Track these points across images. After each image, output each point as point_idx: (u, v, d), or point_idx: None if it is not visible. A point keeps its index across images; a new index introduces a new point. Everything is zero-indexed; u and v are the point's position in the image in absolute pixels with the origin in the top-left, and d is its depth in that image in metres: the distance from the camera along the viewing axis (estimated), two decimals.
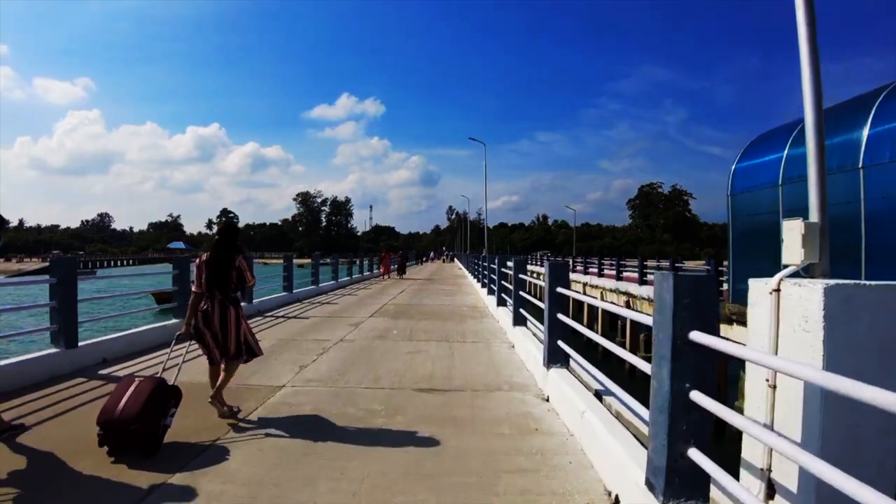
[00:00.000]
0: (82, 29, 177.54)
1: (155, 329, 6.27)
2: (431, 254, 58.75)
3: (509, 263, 7.98)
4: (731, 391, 9.05)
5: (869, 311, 1.77)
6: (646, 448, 2.48)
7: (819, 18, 2.36)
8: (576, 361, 3.85)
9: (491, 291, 10.89)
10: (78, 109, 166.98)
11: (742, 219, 10.45)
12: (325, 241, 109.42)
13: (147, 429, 2.81)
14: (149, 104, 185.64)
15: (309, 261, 15.68)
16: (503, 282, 9.03)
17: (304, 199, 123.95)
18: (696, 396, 1.81)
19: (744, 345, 1.98)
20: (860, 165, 7.26)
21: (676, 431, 1.85)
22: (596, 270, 21.55)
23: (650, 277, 16.28)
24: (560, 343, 4.03)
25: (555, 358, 4.08)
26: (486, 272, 12.51)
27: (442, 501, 2.39)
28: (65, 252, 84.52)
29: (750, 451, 2.07)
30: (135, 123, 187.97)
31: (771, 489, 1.94)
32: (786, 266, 2.17)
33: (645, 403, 2.71)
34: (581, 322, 3.93)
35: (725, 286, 11.13)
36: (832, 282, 1.82)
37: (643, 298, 15.37)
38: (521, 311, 6.39)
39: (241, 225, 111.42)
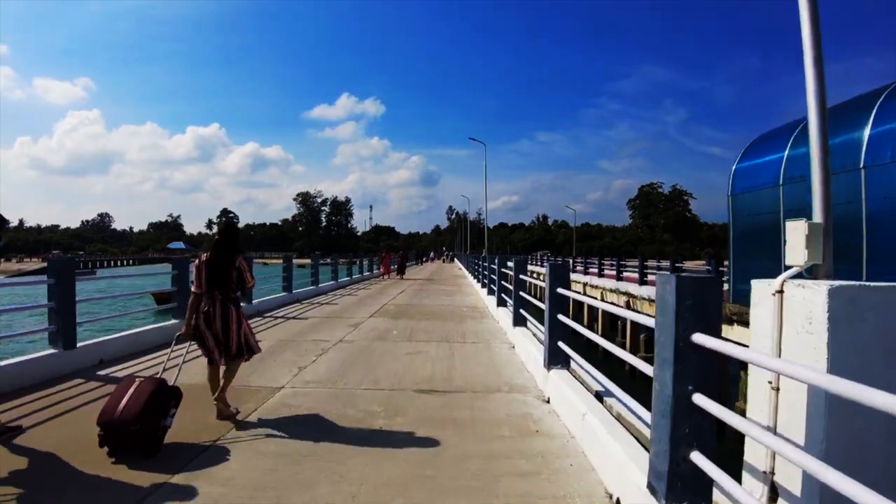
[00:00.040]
0: (82, 29, 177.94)
1: (154, 330, 6.25)
2: (431, 254, 58.72)
3: (509, 264, 7.96)
4: (731, 391, 9.03)
5: (874, 312, 1.75)
6: (647, 451, 2.45)
7: (820, 18, 2.34)
8: (576, 363, 3.83)
9: (491, 292, 10.87)
10: (78, 109, 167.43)
11: (743, 219, 10.42)
12: (325, 241, 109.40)
13: (147, 429, 2.81)
14: (149, 104, 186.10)
15: (309, 261, 15.66)
16: (503, 282, 9.01)
17: (304, 199, 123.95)
18: (699, 399, 1.79)
19: (745, 345, 1.96)
20: (861, 165, 7.24)
21: (679, 435, 1.83)
22: (596, 271, 21.53)
23: (651, 278, 16.28)
24: (560, 344, 4.01)
25: (555, 359, 4.06)
26: (486, 272, 12.48)
27: None
28: (65, 252, 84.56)
29: (752, 454, 2.05)
30: (135, 123, 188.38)
31: (774, 492, 1.92)
32: (789, 267, 2.16)
33: (646, 405, 2.69)
34: (581, 322, 3.92)
35: (726, 286, 11.12)
36: (836, 283, 1.79)
37: (643, 299, 15.34)
38: (522, 311, 6.37)
39: (241, 225, 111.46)
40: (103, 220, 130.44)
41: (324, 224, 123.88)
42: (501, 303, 8.83)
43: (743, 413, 2.04)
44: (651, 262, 18.19)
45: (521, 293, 6.41)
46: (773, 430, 1.94)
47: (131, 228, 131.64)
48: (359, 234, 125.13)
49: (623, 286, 17.33)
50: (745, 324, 8.33)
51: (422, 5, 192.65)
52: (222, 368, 3.58)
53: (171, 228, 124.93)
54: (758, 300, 2.09)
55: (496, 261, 9.82)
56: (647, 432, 2.70)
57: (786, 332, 1.94)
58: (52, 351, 4.71)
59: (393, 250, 32.01)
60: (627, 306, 15.58)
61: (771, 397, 1.97)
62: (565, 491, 2.50)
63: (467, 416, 3.63)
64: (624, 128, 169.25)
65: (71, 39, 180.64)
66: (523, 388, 4.36)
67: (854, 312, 1.75)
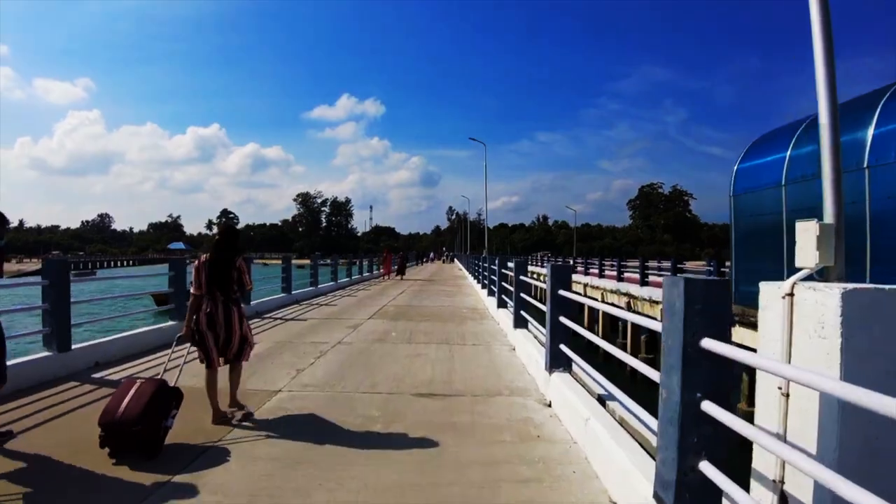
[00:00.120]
0: (82, 29, 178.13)
1: (150, 332, 6.18)
2: (431, 254, 58.65)
3: (510, 264, 7.90)
4: (732, 392, 8.96)
5: (889, 316, 1.69)
6: (653, 458, 2.39)
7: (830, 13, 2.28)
8: (578, 366, 3.76)
9: (491, 293, 10.81)
10: (78, 110, 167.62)
11: (745, 219, 10.36)
12: (325, 241, 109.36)
13: (149, 430, 2.81)
14: (149, 104, 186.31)
15: (308, 262, 15.59)
16: (503, 283, 8.95)
17: (305, 199, 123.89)
18: (709, 407, 1.72)
19: (748, 348, 1.90)
20: (865, 165, 7.17)
21: (687, 444, 1.76)
22: (596, 271, 21.47)
23: (651, 278, 16.21)
24: (562, 347, 3.94)
25: (557, 362, 3.99)
26: (486, 273, 12.42)
27: None
28: (65, 253, 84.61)
29: (761, 462, 1.98)
30: (135, 124, 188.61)
31: (783, 502, 1.86)
32: (799, 269, 2.09)
33: (650, 410, 2.62)
34: (582, 324, 3.85)
35: None
36: (850, 286, 1.73)
37: (644, 299, 15.27)
38: (522, 313, 6.30)
39: (241, 225, 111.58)
40: (103, 220, 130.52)
41: (324, 225, 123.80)
42: (502, 304, 8.77)
43: (746, 415, 1.98)
44: (652, 263, 18.07)
45: (522, 294, 6.34)
46: (782, 437, 1.88)
47: (131, 229, 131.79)
48: (359, 234, 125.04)
49: (624, 287, 17.26)
50: (748, 325, 8.27)
51: (422, 5, 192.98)
52: (220, 372, 3.54)
53: (171, 229, 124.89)
54: (766, 303, 2.03)
55: (496, 261, 9.76)
56: (651, 438, 2.64)
57: (796, 336, 1.88)
58: (46, 353, 4.64)
59: (393, 251, 31.96)
60: (628, 307, 15.51)
61: (781, 403, 1.91)
62: (568, 499, 2.43)
63: (467, 420, 3.56)
64: (624, 128, 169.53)
65: (71, 39, 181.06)
66: (524, 392, 4.30)
67: (869, 317, 1.69)
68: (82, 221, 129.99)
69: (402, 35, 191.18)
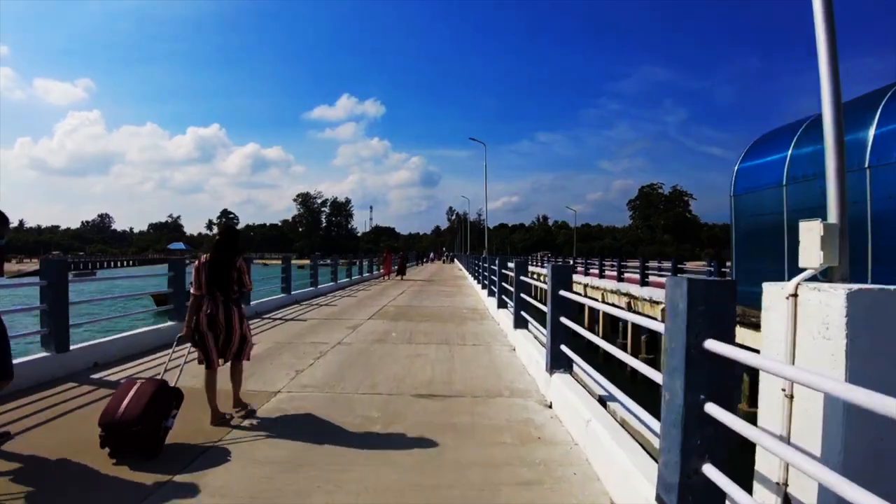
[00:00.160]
0: (82, 29, 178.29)
1: (149, 332, 6.16)
2: (431, 255, 58.61)
3: (510, 265, 7.88)
4: (733, 392, 8.93)
5: (894, 317, 1.67)
6: (655, 460, 2.37)
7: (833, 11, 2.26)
8: (579, 366, 3.74)
9: (491, 293, 10.79)
10: (78, 110, 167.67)
11: (745, 219, 10.34)
12: (325, 241, 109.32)
13: (149, 430, 2.82)
14: (149, 105, 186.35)
15: (308, 262, 15.57)
16: (503, 283, 8.92)
17: (305, 199, 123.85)
18: (712, 409, 1.70)
19: (749, 348, 1.88)
20: (866, 165, 7.15)
21: (690, 446, 1.74)
22: (597, 271, 21.45)
23: (652, 279, 16.18)
24: (563, 347, 3.92)
25: (558, 363, 3.97)
26: (486, 273, 12.40)
27: None
28: (65, 253, 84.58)
29: (764, 464, 1.96)
30: (135, 124, 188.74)
31: None
32: (802, 269, 2.07)
33: (651, 411, 2.60)
34: (582, 324, 3.83)
35: None
36: (855, 286, 1.71)
37: (645, 300, 15.25)
38: (523, 313, 6.28)
39: (241, 226, 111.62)
40: (103, 220, 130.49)
41: (324, 225, 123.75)
42: (502, 304, 8.75)
43: (746, 416, 1.96)
44: (652, 263, 18.03)
45: (522, 295, 6.32)
46: (786, 439, 1.86)
47: (131, 229, 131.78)
48: (359, 234, 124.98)
49: (624, 287, 17.24)
50: (748, 325, 8.25)
51: (422, 5, 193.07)
52: (220, 373, 3.53)
53: (171, 229, 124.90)
54: (770, 304, 2.01)
55: (496, 262, 9.74)
56: (652, 439, 2.62)
57: (800, 337, 1.86)
58: (44, 354, 4.62)
59: (393, 251, 31.97)
60: (628, 307, 15.49)
61: (784, 405, 1.89)
62: (569, 501, 2.41)
63: (467, 421, 3.54)
64: (624, 128, 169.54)
65: (71, 40, 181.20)
66: (524, 393, 4.27)
67: (874, 317, 1.67)
68: (82, 222, 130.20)
69: (402, 35, 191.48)
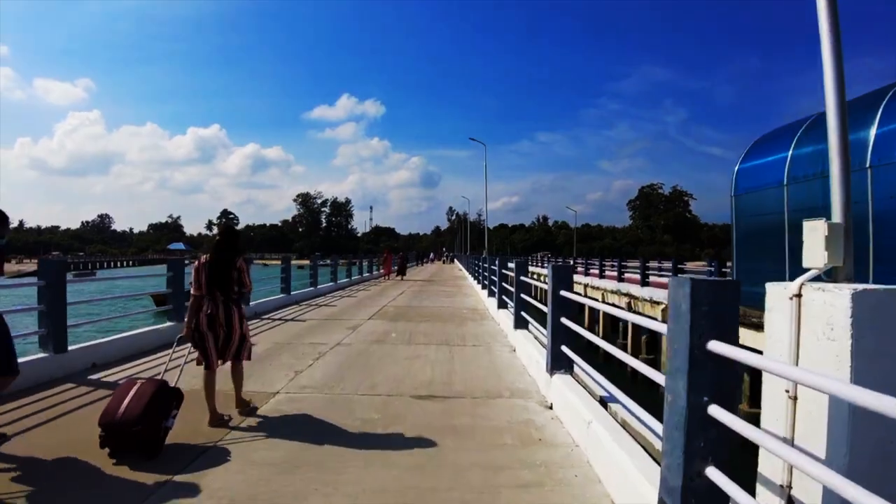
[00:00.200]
0: (82, 29, 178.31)
1: (149, 332, 6.14)
2: (431, 255, 58.54)
3: (510, 265, 7.86)
4: (736, 394, 8.90)
5: None
6: (656, 462, 2.34)
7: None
8: (580, 367, 3.71)
9: (491, 293, 10.77)
10: (78, 110, 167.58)
11: (746, 219, 10.32)
12: (325, 242, 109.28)
13: (149, 430, 2.82)
14: (149, 105, 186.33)
15: (308, 262, 15.54)
16: (504, 283, 8.90)
17: (305, 200, 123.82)
18: (715, 411, 1.67)
19: (752, 350, 1.86)
20: (868, 165, 7.13)
21: (693, 449, 1.72)
22: (597, 272, 21.42)
23: (652, 279, 16.15)
24: (564, 348, 3.90)
25: (558, 364, 3.95)
26: (486, 274, 12.38)
27: None
28: (65, 253, 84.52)
29: (768, 466, 1.94)
30: (135, 124, 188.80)
31: None
32: (806, 269, 2.05)
33: (651, 411, 2.58)
34: (582, 324, 3.81)
35: None
36: (860, 287, 1.69)
37: (645, 300, 15.22)
38: (523, 313, 6.26)
39: (241, 226, 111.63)
40: (103, 220, 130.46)
41: (324, 225, 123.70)
42: (502, 305, 8.73)
43: (747, 417, 1.93)
44: (652, 264, 18.01)
45: (523, 295, 6.30)
46: (790, 441, 1.84)
47: (131, 229, 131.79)
48: (359, 235, 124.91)
49: (624, 287, 17.21)
50: (748, 325, 8.22)
51: (422, 5, 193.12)
52: (219, 374, 3.52)
53: (171, 229, 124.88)
54: (773, 304, 1.99)
55: (496, 262, 9.72)
56: (654, 441, 2.59)
57: (804, 338, 1.84)
58: (42, 355, 4.59)
59: (393, 251, 31.98)
60: (629, 308, 15.47)
61: (788, 406, 1.87)
62: None
63: (467, 423, 3.52)
64: (624, 128, 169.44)
65: (71, 40, 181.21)
66: (525, 394, 4.25)
67: (879, 318, 1.65)
68: (82, 222, 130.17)
69: (402, 35, 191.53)
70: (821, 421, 1.73)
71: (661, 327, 2.22)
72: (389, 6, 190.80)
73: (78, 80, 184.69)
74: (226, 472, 2.68)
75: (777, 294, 1.95)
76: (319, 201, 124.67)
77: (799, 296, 1.85)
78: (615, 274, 19.00)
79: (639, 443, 2.61)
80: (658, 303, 14.29)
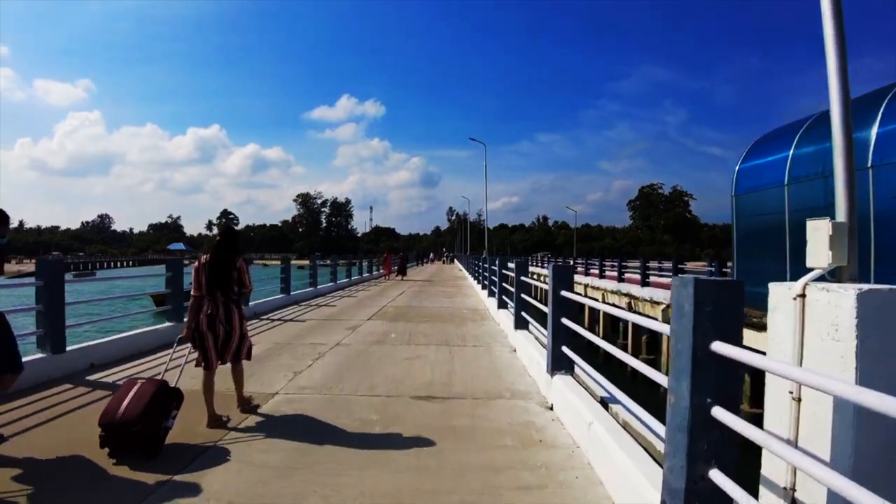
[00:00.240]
0: (82, 30, 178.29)
1: (146, 333, 6.11)
2: (431, 255, 58.49)
3: (510, 265, 7.84)
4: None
5: None
6: (658, 464, 2.32)
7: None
8: (581, 368, 3.69)
9: (491, 293, 10.74)
10: (78, 111, 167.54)
11: (746, 219, 10.30)
12: (325, 242, 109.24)
13: (149, 430, 2.82)
14: (149, 105, 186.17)
15: (308, 262, 15.52)
16: (504, 284, 8.88)
17: (305, 200, 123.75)
18: (719, 413, 1.65)
19: (753, 350, 1.84)
20: (869, 165, 7.11)
21: (697, 451, 1.69)
22: (597, 272, 21.40)
23: (652, 279, 16.12)
24: (565, 349, 3.87)
25: (559, 365, 3.92)
26: (486, 274, 12.36)
27: None
28: (65, 253, 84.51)
29: (771, 468, 1.92)
30: (135, 125, 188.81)
31: None
32: (811, 269, 2.02)
33: (653, 412, 2.56)
34: (582, 324, 3.78)
35: None
36: (866, 286, 1.66)
37: (645, 300, 15.20)
38: (523, 314, 6.23)
39: (241, 226, 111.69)
40: (103, 221, 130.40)
41: (324, 225, 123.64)
42: (502, 305, 8.70)
43: (748, 417, 1.91)
44: (652, 264, 17.98)
45: (523, 295, 6.27)
46: (793, 443, 1.82)
47: (131, 230, 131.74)
48: (359, 235, 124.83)
49: (625, 287, 17.19)
50: (749, 326, 8.20)
51: (422, 5, 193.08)
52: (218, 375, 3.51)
53: (171, 230, 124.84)
54: (776, 305, 1.96)
55: (496, 262, 9.69)
56: (656, 442, 2.57)
57: (808, 339, 1.81)
58: (39, 355, 4.57)
59: (393, 251, 32.01)
60: (629, 308, 15.44)
61: (791, 408, 1.84)
62: None
63: (467, 424, 3.49)
64: (624, 128, 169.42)
65: (71, 40, 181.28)
66: (525, 395, 4.22)
67: (884, 318, 1.63)
68: (82, 222, 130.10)
69: (402, 35, 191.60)
70: (825, 422, 1.70)
71: (663, 328, 2.20)
72: (389, 6, 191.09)
73: (78, 80, 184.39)
74: (223, 475, 2.65)
75: (780, 294, 1.92)
76: (319, 201, 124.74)
77: (803, 296, 1.83)
78: (615, 274, 18.97)
79: (640, 444, 2.58)
80: (658, 303, 14.26)
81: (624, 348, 12.27)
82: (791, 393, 1.85)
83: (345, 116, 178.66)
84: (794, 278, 1.85)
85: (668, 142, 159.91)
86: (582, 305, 4.13)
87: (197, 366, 3.47)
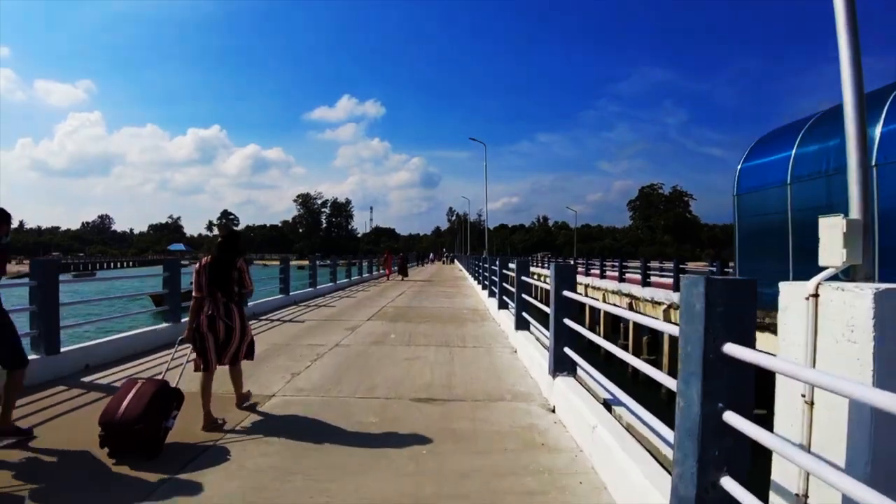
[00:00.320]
0: (83, 31, 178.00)
1: (143, 334, 6.04)
2: (431, 255, 58.49)
3: (511, 265, 7.77)
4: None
5: None
6: (665, 469, 2.25)
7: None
8: (584, 370, 3.62)
9: (492, 294, 10.68)
10: (79, 111, 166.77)
11: (748, 219, 10.24)
12: (325, 242, 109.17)
13: (149, 430, 2.81)
14: (149, 106, 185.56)
15: (307, 263, 15.46)
16: (504, 284, 8.81)
17: (305, 200, 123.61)
18: (731, 418, 1.58)
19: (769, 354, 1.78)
20: (873, 164, 7.03)
21: (707, 458, 1.62)
22: (597, 272, 21.34)
23: (653, 279, 16.06)
24: (567, 350, 3.80)
25: (561, 366, 3.85)
26: (486, 274, 12.29)
27: None
28: (65, 254, 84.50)
29: (782, 474, 1.85)
30: (136, 125, 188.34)
31: None
32: (823, 268, 1.96)
33: (656, 413, 2.49)
34: (583, 325, 3.71)
35: None
36: (883, 286, 1.60)
37: (647, 300, 15.14)
38: (524, 314, 6.16)
39: (241, 226, 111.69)
40: (104, 221, 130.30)
41: (324, 226, 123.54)
42: (503, 305, 8.63)
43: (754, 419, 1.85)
44: (653, 264, 17.93)
45: (524, 296, 6.20)
46: (806, 448, 1.75)
47: (132, 230, 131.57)
48: (359, 235, 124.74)
49: (626, 288, 17.13)
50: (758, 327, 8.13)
51: (422, 6, 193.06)
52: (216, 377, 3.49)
53: (171, 230, 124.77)
54: (787, 305, 1.90)
55: (497, 262, 9.63)
56: (661, 446, 2.50)
57: (822, 340, 1.75)
58: (33, 357, 4.49)
59: (393, 252, 31.98)
60: (630, 308, 15.37)
61: (804, 412, 1.78)
62: None
63: (468, 427, 3.42)
64: (624, 129, 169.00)
65: (72, 41, 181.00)
66: (527, 397, 4.15)
67: None
68: (82, 223, 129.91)
69: (403, 36, 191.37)
70: (841, 427, 1.64)
71: (672, 329, 2.13)
72: (390, 7, 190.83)
73: (78, 81, 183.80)
74: (217, 480, 2.58)
75: (792, 294, 1.86)
76: (320, 202, 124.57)
77: (816, 296, 1.77)
78: (616, 274, 18.91)
79: (646, 448, 2.51)
80: (659, 303, 14.20)
81: (625, 349, 12.19)
82: (803, 396, 1.79)
83: (345, 117, 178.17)
84: (797, 278, 1.79)
85: (668, 142, 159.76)
86: (583, 305, 4.06)
87: (196, 370, 3.42)
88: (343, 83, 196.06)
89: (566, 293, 3.84)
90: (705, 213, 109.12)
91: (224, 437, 3.16)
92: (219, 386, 3.59)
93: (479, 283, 15.00)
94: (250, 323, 6.79)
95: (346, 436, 3.24)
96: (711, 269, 15.00)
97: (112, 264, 77.20)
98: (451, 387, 4.45)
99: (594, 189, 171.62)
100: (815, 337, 1.77)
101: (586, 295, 18.48)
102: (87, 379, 4.58)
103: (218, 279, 3.47)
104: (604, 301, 17.47)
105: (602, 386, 3.29)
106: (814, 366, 1.75)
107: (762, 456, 1.81)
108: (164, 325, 6.48)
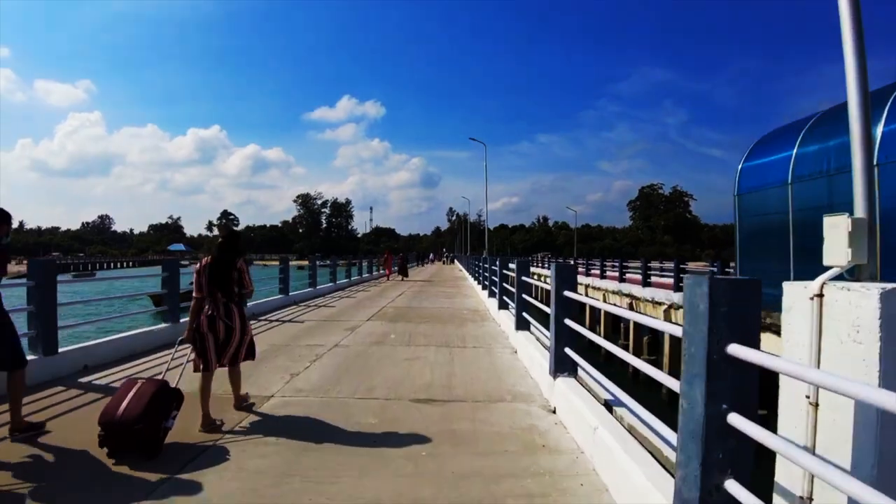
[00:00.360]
0: (83, 31, 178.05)
1: (142, 334, 6.02)
2: (431, 255, 58.45)
3: (511, 265, 7.75)
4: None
5: None
6: (667, 471, 2.23)
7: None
8: (585, 370, 3.59)
9: (492, 294, 10.66)
10: (79, 111, 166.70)
11: (749, 219, 10.21)
12: (325, 242, 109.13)
13: (149, 430, 2.81)
14: (149, 106, 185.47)
15: (307, 263, 15.44)
16: (504, 284, 8.79)
17: (305, 200, 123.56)
18: (735, 420, 1.56)
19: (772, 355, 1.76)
20: (874, 163, 7.00)
21: (711, 460, 1.60)
22: (598, 272, 21.31)
23: (653, 279, 16.04)
24: (567, 350, 3.77)
25: (562, 367, 3.83)
26: (486, 274, 12.27)
27: None
28: (65, 254, 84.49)
29: (786, 476, 1.83)
30: (136, 125, 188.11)
31: None
32: (828, 267, 1.94)
33: (657, 414, 2.47)
34: (583, 324, 3.69)
35: None
36: (889, 286, 1.58)
37: (647, 300, 15.11)
38: (524, 314, 6.14)
39: (241, 226, 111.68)
40: (104, 221, 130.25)
41: (324, 226, 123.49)
42: (503, 305, 8.61)
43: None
44: (654, 264, 17.90)
45: (524, 296, 6.18)
46: (811, 450, 1.73)
47: (132, 230, 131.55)
48: (359, 235, 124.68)
49: (626, 288, 17.11)
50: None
51: (422, 6, 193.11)
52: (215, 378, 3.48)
53: (171, 230, 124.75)
54: (791, 305, 1.88)
55: (497, 262, 9.61)
56: (663, 447, 2.47)
57: (826, 341, 1.73)
58: (31, 357, 4.46)
59: (393, 252, 31.97)
60: (630, 309, 15.34)
61: (809, 413, 1.76)
62: None
63: (468, 428, 3.40)
64: (624, 129, 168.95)
65: (72, 41, 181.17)
66: (527, 397, 4.12)
67: None
68: (83, 223, 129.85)
69: (403, 36, 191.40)
70: (846, 429, 1.62)
71: (672, 328, 2.11)
72: (390, 7, 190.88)
73: (78, 81, 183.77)
74: (215, 481, 2.55)
75: (796, 294, 1.84)
76: (320, 202, 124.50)
77: (820, 296, 1.74)
78: (616, 275, 18.88)
79: (647, 450, 2.49)
80: (660, 303, 14.18)
81: (625, 349, 12.16)
82: (808, 397, 1.76)
83: (345, 117, 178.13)
84: (798, 278, 1.77)
85: (668, 143, 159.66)
86: (583, 306, 4.03)
87: (195, 370, 3.40)
88: (343, 83, 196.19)
89: (567, 293, 3.82)
90: (705, 214, 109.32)
91: (223, 438, 3.14)
92: (217, 387, 3.57)
93: (479, 283, 14.97)
94: (250, 323, 6.75)
95: (345, 437, 3.21)
96: (712, 269, 14.98)
97: (112, 264, 77.20)
98: (450, 387, 4.42)
99: (594, 189, 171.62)
100: (819, 337, 1.75)
101: (587, 295, 18.47)
102: (85, 379, 4.55)
103: (218, 279, 3.46)
104: (604, 301, 17.46)
105: (603, 386, 3.26)
106: (818, 367, 1.73)
107: (765, 458, 1.79)
108: (164, 325, 6.46)
